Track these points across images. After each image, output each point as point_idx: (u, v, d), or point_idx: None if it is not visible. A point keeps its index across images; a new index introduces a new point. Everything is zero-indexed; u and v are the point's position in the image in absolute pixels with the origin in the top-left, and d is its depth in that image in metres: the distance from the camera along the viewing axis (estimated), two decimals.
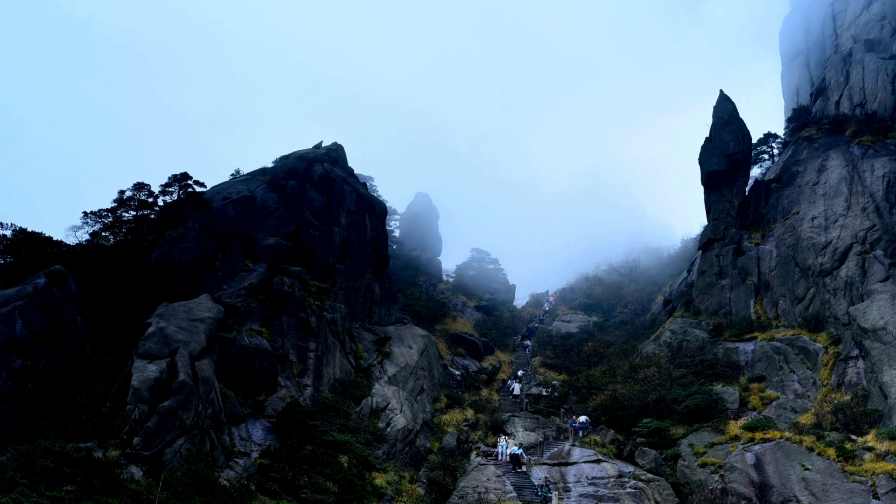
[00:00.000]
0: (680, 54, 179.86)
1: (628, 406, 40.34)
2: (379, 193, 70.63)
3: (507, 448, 37.43)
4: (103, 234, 41.60)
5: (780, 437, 34.35)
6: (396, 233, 77.43)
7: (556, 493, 32.63)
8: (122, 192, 42.93)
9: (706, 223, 56.31)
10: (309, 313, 39.05)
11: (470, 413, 44.27)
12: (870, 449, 32.27)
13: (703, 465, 34.34)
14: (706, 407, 38.46)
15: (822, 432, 34.56)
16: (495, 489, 33.33)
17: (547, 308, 74.06)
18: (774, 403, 39.04)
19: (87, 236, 41.21)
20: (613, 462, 35.45)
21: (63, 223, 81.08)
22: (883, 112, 53.34)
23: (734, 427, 36.60)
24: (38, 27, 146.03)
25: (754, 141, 60.58)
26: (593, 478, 34.01)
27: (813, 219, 48.16)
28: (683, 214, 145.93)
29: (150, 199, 43.53)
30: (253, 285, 39.34)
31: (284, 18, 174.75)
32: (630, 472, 34.33)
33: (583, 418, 40.89)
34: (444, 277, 78.72)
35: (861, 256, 43.48)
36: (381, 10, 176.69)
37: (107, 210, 42.22)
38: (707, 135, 57.10)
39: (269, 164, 53.51)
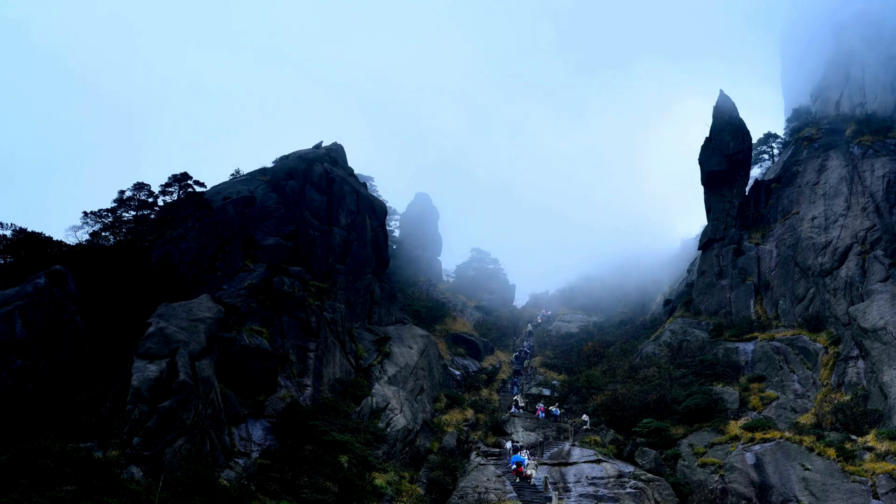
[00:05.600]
0: (679, 53, 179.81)
1: (628, 406, 40.35)
2: (379, 193, 70.65)
3: (526, 463, 34.86)
4: (103, 234, 41.58)
5: (780, 437, 34.35)
6: (396, 233, 77.43)
7: (556, 493, 32.61)
8: (122, 192, 42.97)
9: (706, 223, 56.35)
10: (309, 313, 39.02)
11: (470, 413, 44.28)
12: (870, 449, 32.28)
13: (703, 465, 34.33)
14: (706, 407, 38.46)
15: (822, 432, 34.56)
16: (495, 489, 33.29)
17: (539, 320, 72.21)
18: (774, 403, 39.05)
19: (87, 236, 41.21)
20: (613, 462, 35.43)
21: (63, 223, 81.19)
22: (883, 112, 53.41)
23: (734, 427, 36.61)
24: (39, 21, 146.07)
25: (754, 141, 60.67)
26: (593, 478, 33.98)
27: (813, 219, 48.18)
28: (683, 214, 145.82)
29: (150, 199, 43.56)
30: (253, 285, 39.32)
31: (284, 18, 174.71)
32: (630, 472, 34.30)
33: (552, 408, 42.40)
34: (444, 277, 78.77)
35: (861, 256, 43.49)
36: (380, 10, 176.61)
37: (107, 210, 42.24)
38: (707, 135, 57.15)
39: (269, 164, 53.54)
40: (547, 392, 48.38)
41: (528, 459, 33.75)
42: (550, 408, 44.58)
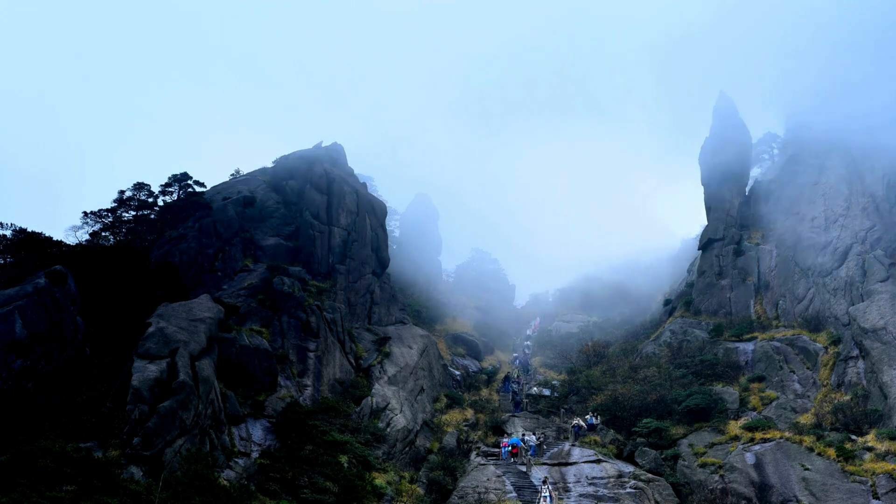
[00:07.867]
0: (679, 53, 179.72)
1: (628, 406, 40.36)
2: (379, 193, 70.64)
3: (546, 495, 32.17)
4: (103, 234, 41.71)
5: (780, 437, 34.36)
6: (396, 233, 77.43)
7: (556, 492, 32.59)
8: (122, 192, 43.12)
9: (706, 223, 56.38)
10: (309, 313, 39.05)
11: (470, 413, 44.28)
12: (870, 449, 32.29)
13: (703, 465, 34.34)
14: (706, 407, 38.48)
15: (822, 432, 34.57)
16: (495, 489, 33.31)
17: (530, 332, 70.77)
18: (774, 403, 39.05)
19: (87, 236, 41.36)
20: (613, 462, 35.45)
21: (63, 223, 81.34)
22: (883, 112, 53.37)
23: (734, 427, 36.62)
24: (34, 25, 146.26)
25: (754, 141, 60.72)
26: (593, 478, 33.99)
27: (813, 219, 48.18)
28: (683, 214, 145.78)
29: (150, 199, 43.70)
30: (253, 285, 39.35)
31: (284, 19, 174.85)
32: (630, 472, 34.32)
33: (588, 417, 40.77)
34: (444, 277, 78.80)
35: (861, 256, 43.49)
36: (380, 10, 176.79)
37: (107, 210, 42.37)
38: (707, 134, 57.23)
39: (269, 164, 53.62)
40: (547, 392, 48.34)
41: (550, 491, 32.04)
42: (586, 417, 40.97)
